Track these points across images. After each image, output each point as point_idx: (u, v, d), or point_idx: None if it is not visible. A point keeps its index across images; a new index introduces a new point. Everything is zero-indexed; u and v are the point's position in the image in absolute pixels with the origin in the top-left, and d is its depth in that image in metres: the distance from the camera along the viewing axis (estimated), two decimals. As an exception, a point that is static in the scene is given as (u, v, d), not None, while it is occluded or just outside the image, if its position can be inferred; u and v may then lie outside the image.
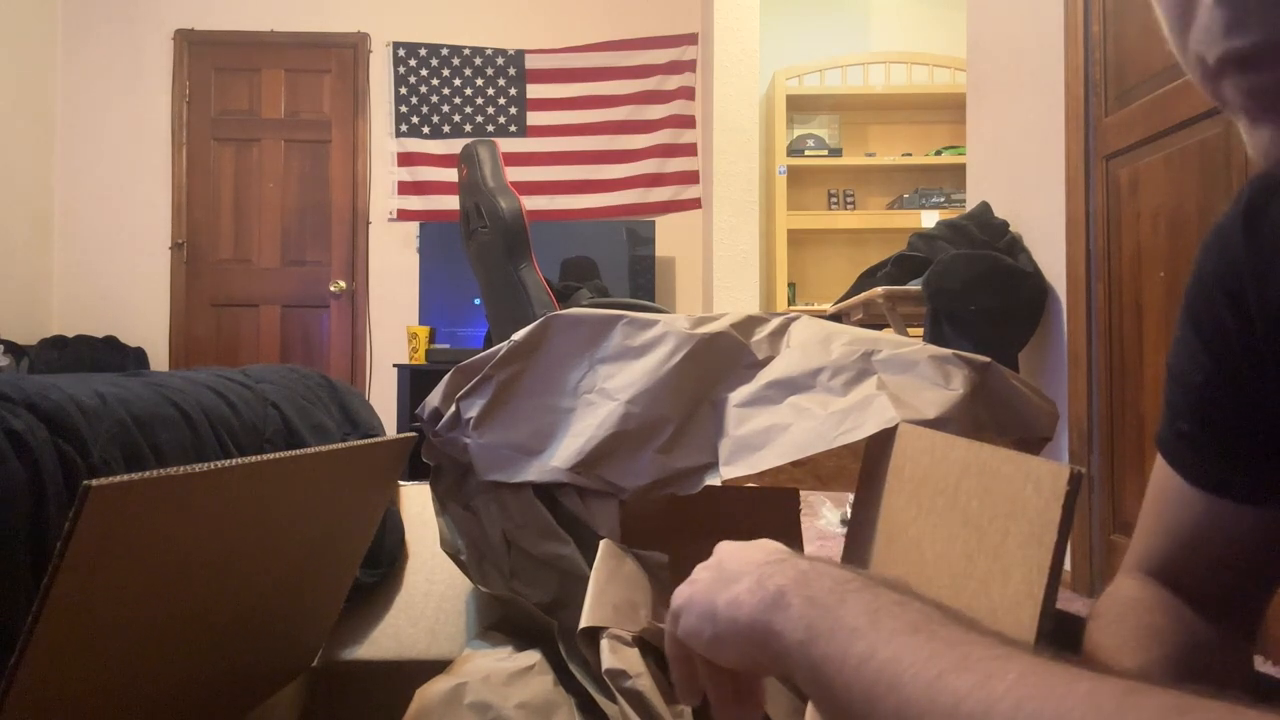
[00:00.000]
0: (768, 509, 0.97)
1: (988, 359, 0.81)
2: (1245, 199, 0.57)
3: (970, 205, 2.76)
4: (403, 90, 4.74)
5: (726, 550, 0.50)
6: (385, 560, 1.06)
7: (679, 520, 0.86)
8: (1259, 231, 0.55)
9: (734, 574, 0.45)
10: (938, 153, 4.72)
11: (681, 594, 0.49)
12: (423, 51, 4.75)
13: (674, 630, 0.49)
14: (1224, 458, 0.58)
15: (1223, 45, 0.35)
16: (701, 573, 0.49)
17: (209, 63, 4.72)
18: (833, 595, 0.39)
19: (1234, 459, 0.58)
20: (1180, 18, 0.38)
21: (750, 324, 0.88)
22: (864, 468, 0.76)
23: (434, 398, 0.91)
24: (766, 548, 0.48)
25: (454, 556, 0.91)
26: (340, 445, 0.71)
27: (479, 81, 4.76)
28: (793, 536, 0.98)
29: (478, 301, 4.31)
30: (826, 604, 0.38)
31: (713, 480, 0.79)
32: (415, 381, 3.86)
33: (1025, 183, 2.53)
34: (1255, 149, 0.37)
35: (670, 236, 4.70)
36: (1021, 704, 0.29)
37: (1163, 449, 0.63)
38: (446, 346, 4.27)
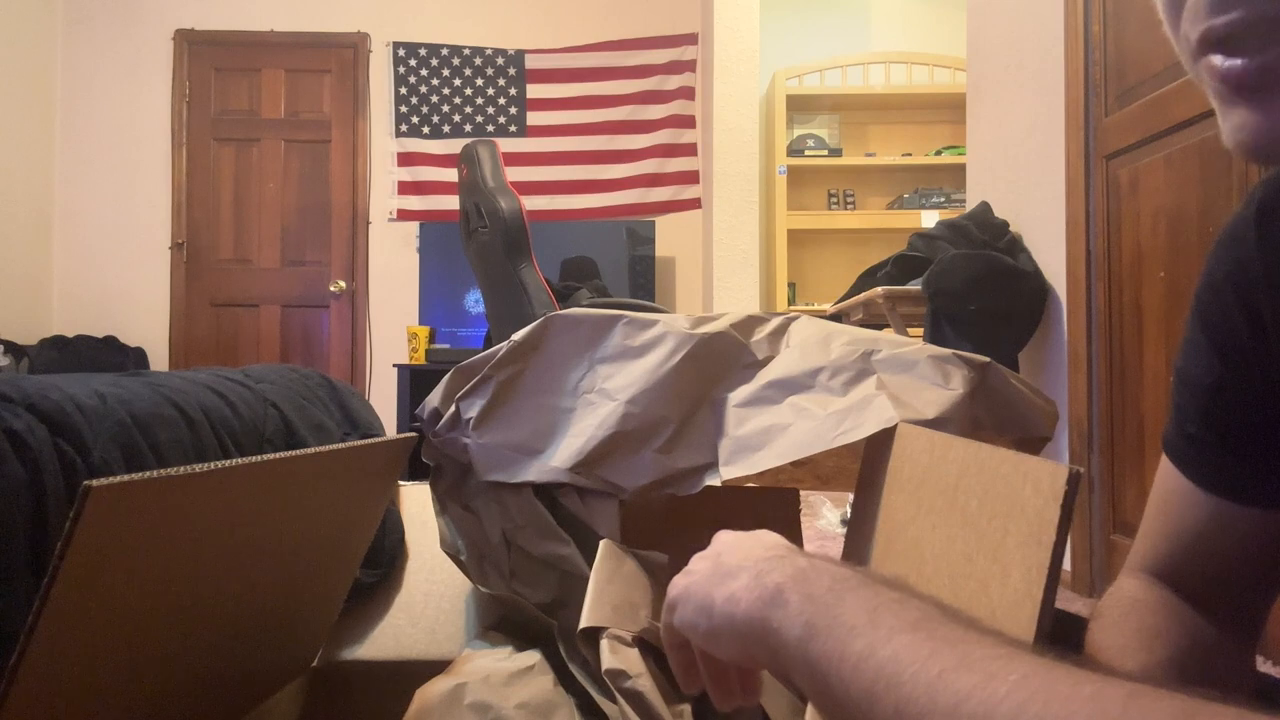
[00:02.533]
0: (768, 509, 0.97)
1: (987, 359, 0.81)
2: (1258, 199, 0.56)
3: (970, 205, 2.76)
4: (403, 90, 4.74)
5: (725, 542, 0.49)
6: (385, 560, 1.06)
7: (679, 520, 0.86)
8: (1271, 233, 0.55)
9: (732, 568, 0.44)
10: (938, 153, 4.72)
11: (678, 584, 0.48)
12: (423, 51, 4.75)
13: (670, 620, 0.49)
14: (1231, 460, 0.58)
15: (1205, 23, 0.36)
16: (699, 563, 0.48)
17: (209, 63, 4.72)
18: (831, 592, 0.38)
19: (1241, 461, 0.58)
20: (1174, 1, 0.38)
21: (750, 324, 0.88)
22: (863, 468, 0.76)
23: (434, 398, 0.91)
24: (765, 541, 0.48)
25: (454, 557, 0.91)
26: (340, 445, 0.71)
27: (479, 81, 4.76)
28: (793, 536, 0.98)
29: (475, 308, 4.31)
30: (825, 601, 0.38)
31: (713, 480, 0.79)
32: (415, 381, 3.87)
33: (1025, 183, 2.52)
34: (1225, 132, 0.37)
35: (670, 236, 4.70)
36: (1024, 706, 0.28)
37: (1169, 450, 0.62)
38: (446, 346, 4.27)
